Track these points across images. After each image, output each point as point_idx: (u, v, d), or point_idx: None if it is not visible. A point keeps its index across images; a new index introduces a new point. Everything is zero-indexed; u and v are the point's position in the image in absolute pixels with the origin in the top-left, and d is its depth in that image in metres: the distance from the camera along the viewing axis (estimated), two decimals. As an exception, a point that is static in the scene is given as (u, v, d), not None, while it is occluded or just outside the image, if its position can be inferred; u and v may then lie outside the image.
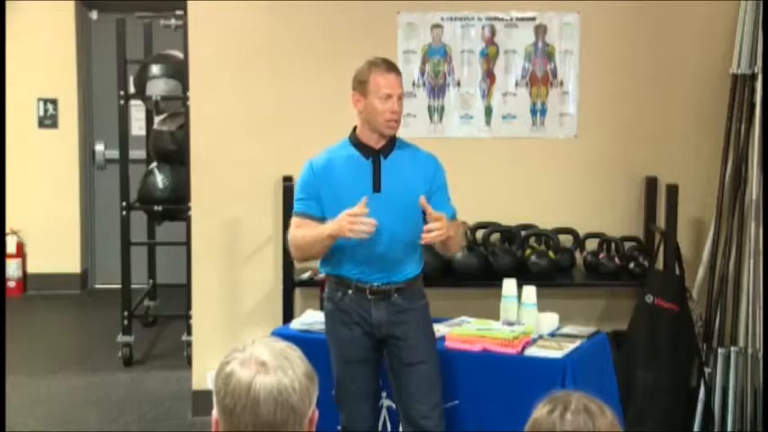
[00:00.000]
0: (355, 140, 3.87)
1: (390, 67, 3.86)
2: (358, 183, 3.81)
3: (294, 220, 3.93)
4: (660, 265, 5.02)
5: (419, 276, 3.94)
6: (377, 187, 3.81)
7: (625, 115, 5.30)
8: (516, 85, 5.26)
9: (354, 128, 3.89)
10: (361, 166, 3.83)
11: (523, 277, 4.66)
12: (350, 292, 3.85)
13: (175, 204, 6.57)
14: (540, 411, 2.01)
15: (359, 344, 3.87)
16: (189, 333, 6.03)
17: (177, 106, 6.63)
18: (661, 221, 5.11)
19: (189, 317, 5.85)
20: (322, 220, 3.85)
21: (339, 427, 3.99)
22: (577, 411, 1.96)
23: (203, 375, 5.31)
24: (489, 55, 5.24)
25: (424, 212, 3.84)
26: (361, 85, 3.81)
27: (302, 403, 1.94)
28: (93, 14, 8.33)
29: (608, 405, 2.01)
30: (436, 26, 5.22)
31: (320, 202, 3.85)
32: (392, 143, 3.87)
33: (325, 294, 4.00)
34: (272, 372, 1.93)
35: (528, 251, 5.13)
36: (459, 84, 5.23)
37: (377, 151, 3.84)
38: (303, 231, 3.85)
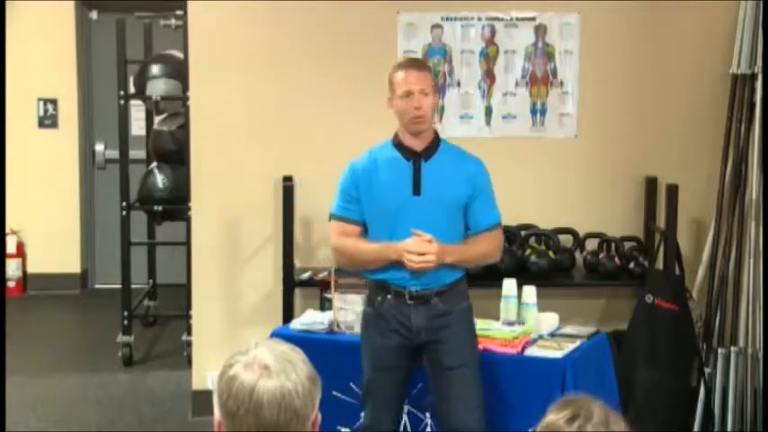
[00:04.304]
0: (397, 142, 3.83)
1: (412, 64, 3.85)
2: (397, 185, 3.77)
3: (335, 225, 3.89)
4: (660, 265, 5.02)
5: (462, 279, 3.88)
6: (416, 190, 3.76)
7: (625, 115, 5.29)
8: (516, 85, 5.26)
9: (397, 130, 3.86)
10: (402, 169, 3.79)
11: (523, 277, 4.66)
12: (389, 296, 3.80)
13: (175, 204, 6.56)
14: (558, 415, 1.96)
15: (393, 353, 3.82)
16: (189, 333, 6.03)
17: (177, 106, 6.63)
18: (661, 221, 5.11)
19: (189, 317, 5.85)
20: (362, 224, 3.83)
21: (359, 424, 3.99)
22: (600, 424, 1.92)
23: (203, 375, 5.31)
24: (489, 55, 5.24)
25: (466, 217, 3.80)
26: (390, 87, 3.80)
27: (305, 406, 1.94)
28: (93, 14, 8.33)
29: (608, 405, 2.00)
30: (436, 26, 5.22)
31: (360, 206, 3.82)
32: (436, 145, 3.83)
33: (365, 298, 3.96)
34: (276, 375, 1.93)
35: (528, 251, 5.13)
36: (459, 84, 5.23)
37: (418, 153, 3.79)
38: (356, 244, 3.84)
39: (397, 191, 3.76)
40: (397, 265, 3.74)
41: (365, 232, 3.87)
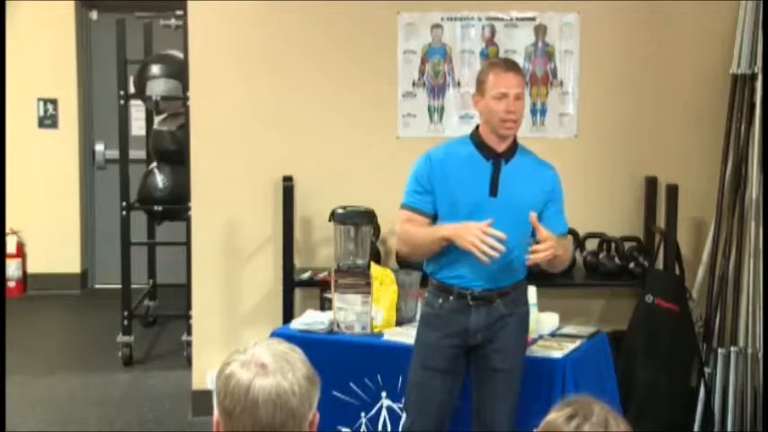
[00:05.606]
0: (477, 140, 3.76)
1: (509, 66, 3.77)
2: (474, 184, 3.70)
3: (403, 213, 3.79)
4: (660, 265, 5.02)
5: (523, 281, 3.84)
6: (493, 192, 3.70)
7: (625, 115, 5.29)
8: (516, 85, 5.24)
9: (477, 126, 3.80)
10: (480, 168, 3.72)
11: (524, 277, 4.66)
12: (451, 298, 3.74)
13: (175, 204, 6.57)
14: (558, 414, 1.97)
15: (446, 356, 3.75)
16: (189, 333, 6.03)
17: (177, 106, 6.63)
18: (661, 221, 5.11)
19: (189, 317, 5.85)
20: (431, 216, 3.74)
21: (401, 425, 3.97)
22: (598, 424, 1.93)
23: (203, 375, 5.31)
24: (489, 55, 5.23)
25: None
26: (480, 85, 3.74)
27: (302, 406, 1.93)
28: (93, 14, 8.33)
29: (609, 406, 2.00)
30: (436, 26, 5.22)
31: (431, 197, 3.74)
32: (515, 148, 3.78)
33: (424, 299, 3.90)
34: (272, 374, 1.93)
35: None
36: (459, 84, 5.23)
37: (499, 154, 3.73)
38: (415, 228, 3.74)
39: (474, 189, 3.70)
40: (464, 264, 3.69)
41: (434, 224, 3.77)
